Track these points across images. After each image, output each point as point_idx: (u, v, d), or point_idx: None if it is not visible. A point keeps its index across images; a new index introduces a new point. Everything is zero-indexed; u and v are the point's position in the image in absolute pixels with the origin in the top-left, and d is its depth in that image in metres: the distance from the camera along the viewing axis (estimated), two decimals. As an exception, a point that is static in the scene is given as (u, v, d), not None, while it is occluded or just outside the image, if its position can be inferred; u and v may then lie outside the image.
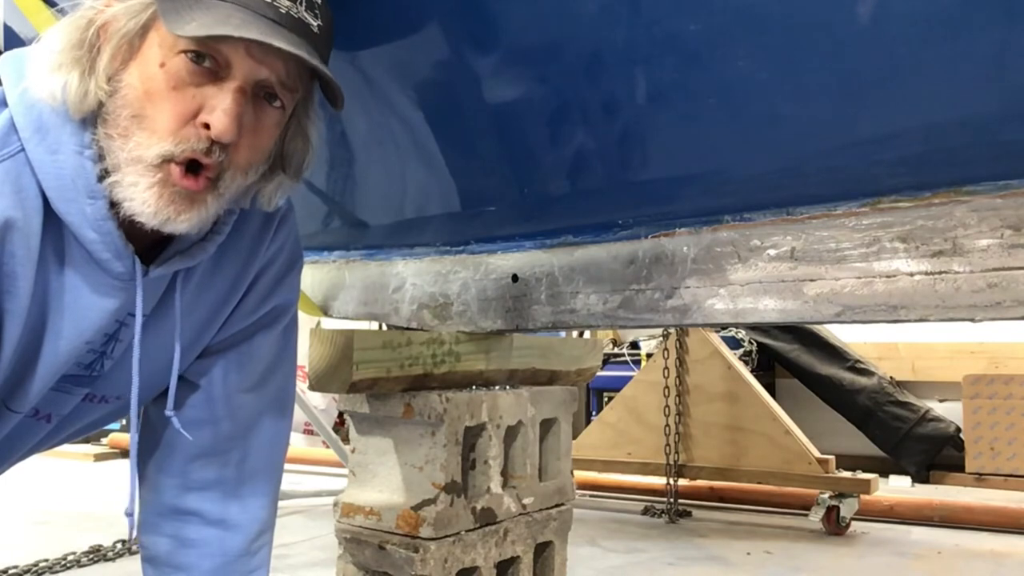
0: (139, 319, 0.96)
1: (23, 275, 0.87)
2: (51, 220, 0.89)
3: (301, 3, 0.89)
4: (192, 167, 0.87)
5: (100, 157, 0.88)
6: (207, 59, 0.85)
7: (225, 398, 1.10)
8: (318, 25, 0.91)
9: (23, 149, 0.87)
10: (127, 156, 0.86)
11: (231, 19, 0.83)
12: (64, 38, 0.87)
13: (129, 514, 1.05)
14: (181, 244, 0.97)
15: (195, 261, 0.98)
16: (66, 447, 4.51)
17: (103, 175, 0.88)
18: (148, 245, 0.94)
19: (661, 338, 3.44)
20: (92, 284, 0.92)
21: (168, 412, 1.03)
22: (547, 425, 1.71)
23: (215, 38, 0.83)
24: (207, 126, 0.85)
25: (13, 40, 1.60)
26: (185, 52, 0.84)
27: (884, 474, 3.91)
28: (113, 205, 0.88)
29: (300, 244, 1.15)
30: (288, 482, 3.58)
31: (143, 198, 0.86)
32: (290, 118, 0.96)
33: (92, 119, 0.88)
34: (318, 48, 0.91)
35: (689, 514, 3.23)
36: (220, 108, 0.84)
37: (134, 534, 1.10)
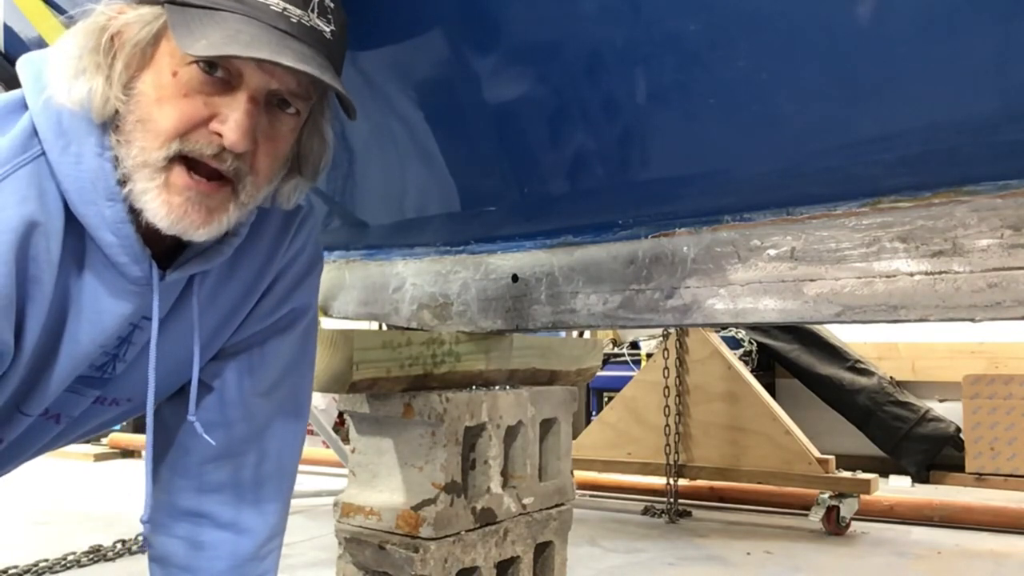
0: (155, 324, 0.96)
1: (45, 280, 0.87)
2: (71, 224, 0.89)
3: (313, 10, 0.88)
4: (194, 167, 0.86)
5: (118, 162, 0.88)
6: (219, 69, 0.85)
7: (239, 401, 1.09)
8: (331, 30, 0.90)
9: (44, 153, 0.87)
10: (134, 162, 0.86)
11: (240, 35, 0.83)
12: (81, 44, 0.87)
13: (145, 521, 1.05)
14: (198, 247, 0.96)
15: (211, 264, 0.98)
16: (66, 447, 4.51)
17: (122, 181, 0.88)
18: (165, 249, 0.94)
19: (661, 338, 3.44)
20: (110, 288, 0.92)
21: (190, 417, 1.02)
22: (547, 425, 1.71)
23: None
24: (219, 135, 0.85)
25: (13, 40, 1.60)
26: (196, 62, 0.84)
27: (884, 474, 3.91)
28: (132, 209, 0.89)
29: (320, 246, 1.14)
30: (288, 482, 3.59)
31: (154, 207, 0.86)
32: (306, 119, 0.96)
33: (111, 124, 0.88)
34: (332, 54, 0.90)
35: (689, 514, 3.23)
36: (232, 119, 0.85)
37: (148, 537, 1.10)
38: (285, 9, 0.86)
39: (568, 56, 1.14)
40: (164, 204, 0.86)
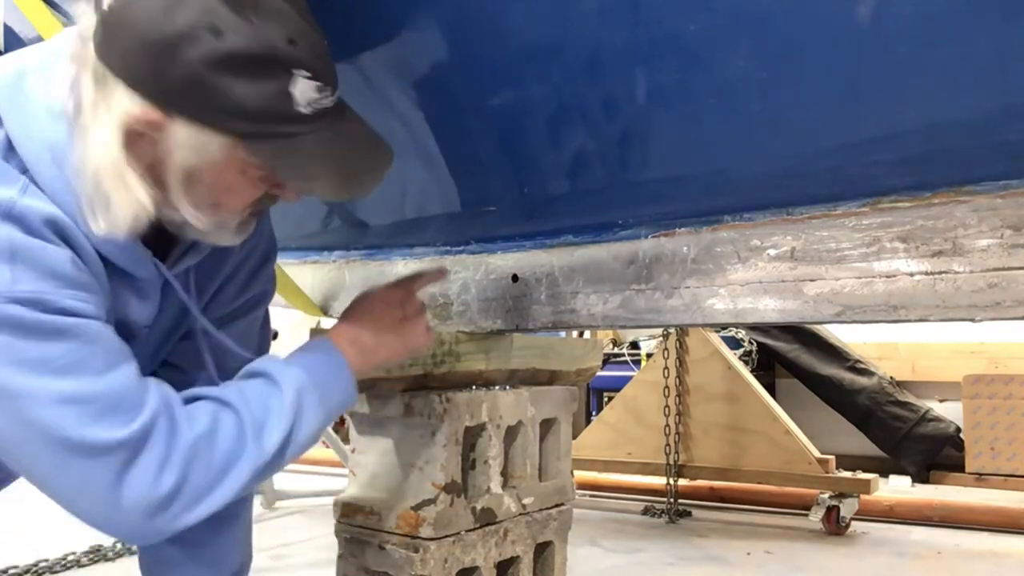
0: (194, 309, 1.06)
1: (105, 300, 0.93)
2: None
3: (332, 92, 0.92)
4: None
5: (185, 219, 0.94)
6: None
7: (205, 378, 1.15)
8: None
9: (26, 171, 0.88)
10: (209, 224, 0.94)
11: (343, 162, 0.95)
12: (65, 76, 0.88)
13: None
14: (185, 242, 1.03)
15: (201, 256, 1.05)
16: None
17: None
18: (155, 246, 1.00)
19: (661, 338, 3.44)
20: (128, 295, 0.98)
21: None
22: (547, 425, 1.71)
23: None
24: (273, 197, 0.97)
25: (13, 40, 1.59)
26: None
27: (884, 474, 3.91)
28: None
29: (275, 238, 1.23)
30: (288, 482, 3.60)
31: (227, 240, 0.99)
32: None
33: None
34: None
35: (689, 514, 3.23)
36: (290, 188, 0.96)
37: None
38: (328, 96, 0.90)
39: (568, 56, 1.14)
40: (235, 237, 0.99)
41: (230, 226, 0.96)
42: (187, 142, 0.86)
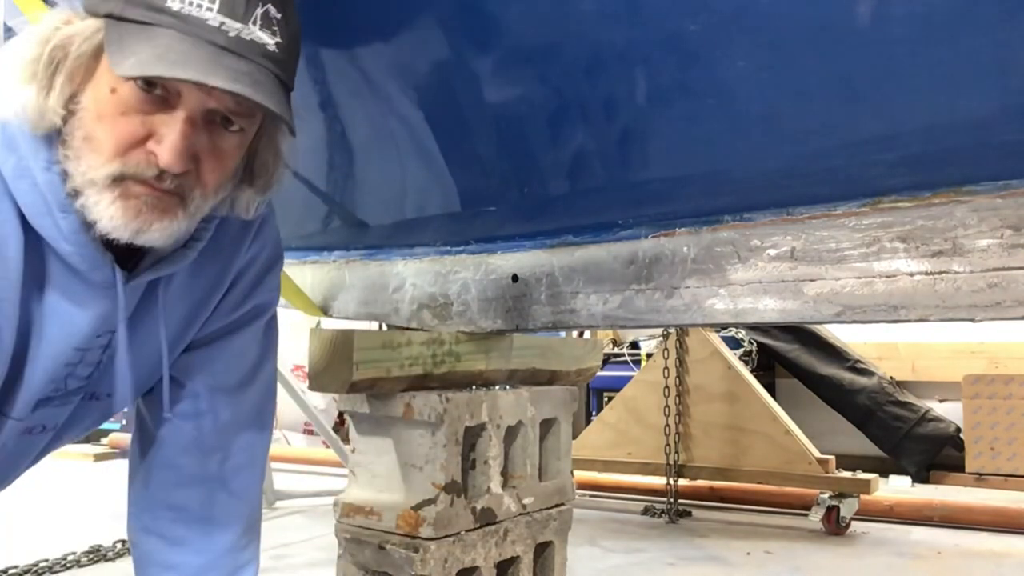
0: (122, 327, 0.96)
1: (7, 288, 0.88)
2: (29, 233, 0.89)
3: (255, 22, 0.85)
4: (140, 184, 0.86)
5: (67, 175, 0.87)
6: (157, 87, 0.84)
7: (206, 392, 1.12)
8: (277, 42, 0.86)
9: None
10: (83, 179, 0.86)
11: (170, 53, 0.80)
12: (23, 53, 0.86)
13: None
14: (160, 251, 0.96)
15: (176, 268, 0.99)
16: (66, 447, 4.51)
17: (72, 194, 0.87)
18: (129, 251, 0.94)
19: (661, 338, 3.44)
20: (73, 292, 0.93)
21: (165, 414, 1.06)
22: (547, 425, 1.71)
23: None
24: (156, 155, 0.84)
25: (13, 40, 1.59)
26: (134, 80, 0.83)
27: (884, 474, 3.91)
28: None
29: (280, 245, 1.16)
30: (288, 482, 3.60)
31: (109, 214, 0.85)
32: (261, 133, 0.95)
33: (57, 138, 0.87)
34: (279, 66, 0.87)
35: (689, 514, 3.23)
36: (167, 140, 0.84)
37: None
38: (223, 24, 0.82)
39: (568, 56, 1.14)
40: (119, 209, 0.85)
41: (98, 180, 0.85)
42: (74, 28, 0.85)
